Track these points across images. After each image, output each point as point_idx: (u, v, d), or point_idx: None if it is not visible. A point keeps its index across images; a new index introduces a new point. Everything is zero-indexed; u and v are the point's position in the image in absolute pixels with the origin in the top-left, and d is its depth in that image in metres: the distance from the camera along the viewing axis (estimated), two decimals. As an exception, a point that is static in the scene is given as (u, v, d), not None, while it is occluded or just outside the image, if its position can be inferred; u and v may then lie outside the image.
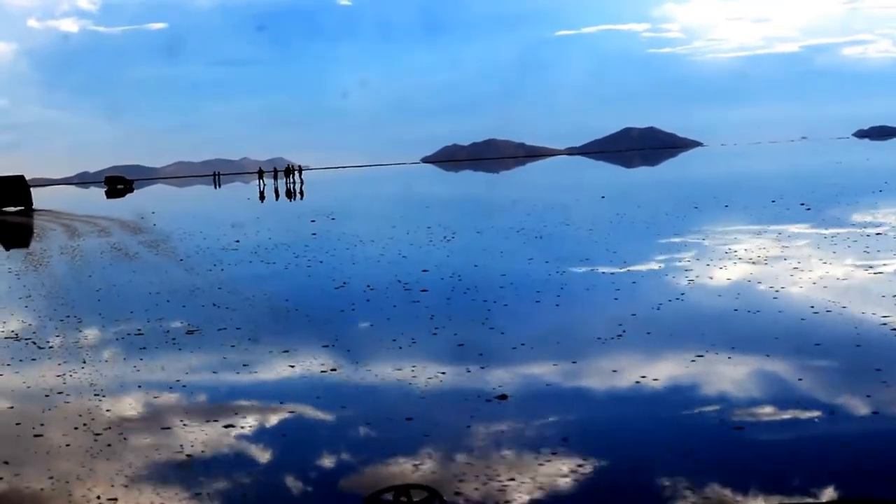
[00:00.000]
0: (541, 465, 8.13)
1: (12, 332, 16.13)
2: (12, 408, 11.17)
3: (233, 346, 13.88)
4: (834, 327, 12.96)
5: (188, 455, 9.00)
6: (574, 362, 11.78)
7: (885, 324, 12.72)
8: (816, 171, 70.49)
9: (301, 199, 72.26)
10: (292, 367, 12.43)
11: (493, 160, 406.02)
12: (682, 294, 16.23)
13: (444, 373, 11.58)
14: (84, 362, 13.32)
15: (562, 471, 8.00)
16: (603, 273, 19.32)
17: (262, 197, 77.88)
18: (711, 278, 17.82)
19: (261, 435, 9.65)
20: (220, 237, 33.79)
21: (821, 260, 19.14)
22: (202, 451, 9.12)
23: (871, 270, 17.60)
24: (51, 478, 8.55)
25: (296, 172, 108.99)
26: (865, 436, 8.67)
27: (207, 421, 10.10)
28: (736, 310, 14.53)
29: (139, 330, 15.61)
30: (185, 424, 10.01)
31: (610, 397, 10.36)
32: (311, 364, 12.52)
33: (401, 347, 13.12)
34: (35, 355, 14.10)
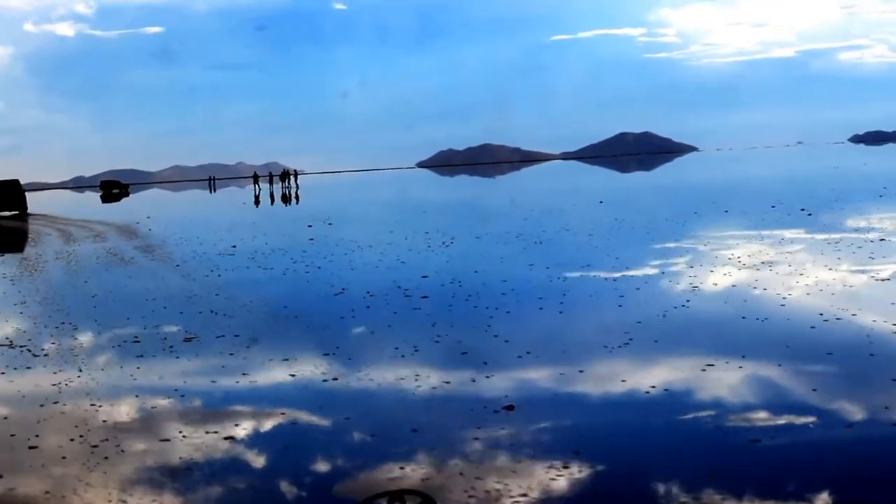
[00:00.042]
0: (553, 479, 7.89)
1: (7, 338, 15.84)
2: (6, 418, 10.91)
3: (231, 353, 13.63)
4: (845, 335, 12.74)
5: (187, 468, 8.74)
6: (581, 371, 11.54)
7: (896, 332, 12.51)
8: (814, 177, 70.40)
9: (297, 203, 72.02)
10: (293, 375, 12.18)
11: (488, 165, 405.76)
12: (688, 301, 15.99)
13: (448, 382, 11.34)
14: (80, 370, 13.05)
15: (575, 485, 7.77)
16: (605, 279, 19.08)
17: (257, 202, 77.65)
18: (716, 284, 17.59)
19: (261, 446, 9.39)
20: (217, 242, 33.53)
21: (825, 266, 18.92)
22: (201, 463, 8.87)
23: (877, 277, 17.40)
24: (46, 492, 8.30)
25: (291, 177, 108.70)
26: (892, 447, 8.44)
27: (207, 432, 9.85)
28: (744, 317, 14.29)
29: (136, 337, 15.35)
30: (183, 436, 9.75)
31: (621, 408, 10.11)
32: (311, 373, 12.26)
33: (403, 356, 12.87)
34: (30, 363, 13.82)
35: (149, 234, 40.28)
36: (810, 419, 9.29)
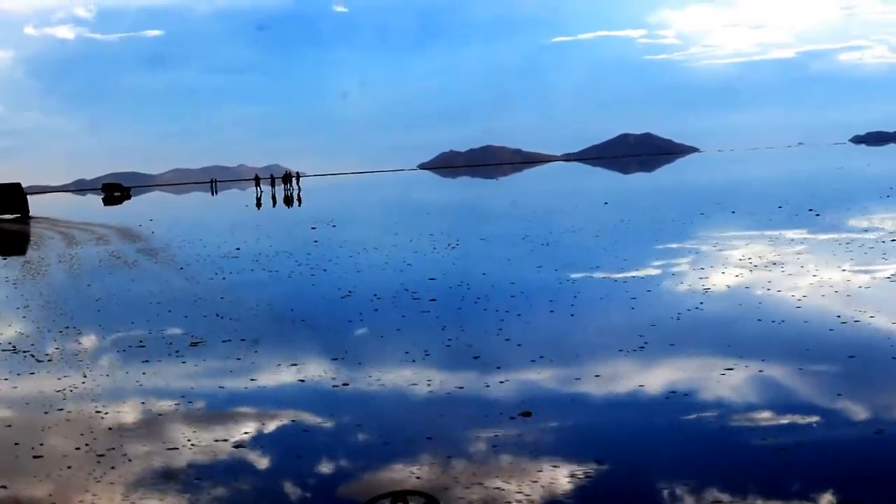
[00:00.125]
0: (576, 488, 7.65)
1: (10, 344, 15.61)
2: (10, 425, 10.68)
3: (238, 358, 13.38)
4: (864, 338, 12.48)
5: (196, 477, 8.50)
6: (597, 376, 11.28)
7: (918, 334, 12.27)
8: (818, 177, 70.07)
9: (299, 205, 71.78)
10: (302, 381, 11.94)
11: (490, 166, 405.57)
12: (701, 303, 15.73)
13: (461, 388, 11.09)
14: (84, 376, 12.82)
15: (600, 495, 7.52)
16: (615, 281, 18.83)
17: (258, 204, 77.42)
18: (728, 286, 17.33)
19: (271, 454, 9.15)
20: (220, 245, 33.26)
21: (838, 267, 18.66)
22: (210, 472, 8.63)
23: (892, 278, 17.11)
24: (51, 503, 8.05)
25: (293, 179, 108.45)
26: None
27: (216, 440, 9.60)
28: (759, 319, 14.03)
29: (141, 341, 15.10)
30: (192, 444, 9.50)
31: (642, 414, 9.84)
32: (321, 378, 12.02)
33: (414, 360, 12.62)
34: (33, 368, 13.58)
35: (151, 237, 40.03)
36: (840, 425, 9.04)
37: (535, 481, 7.84)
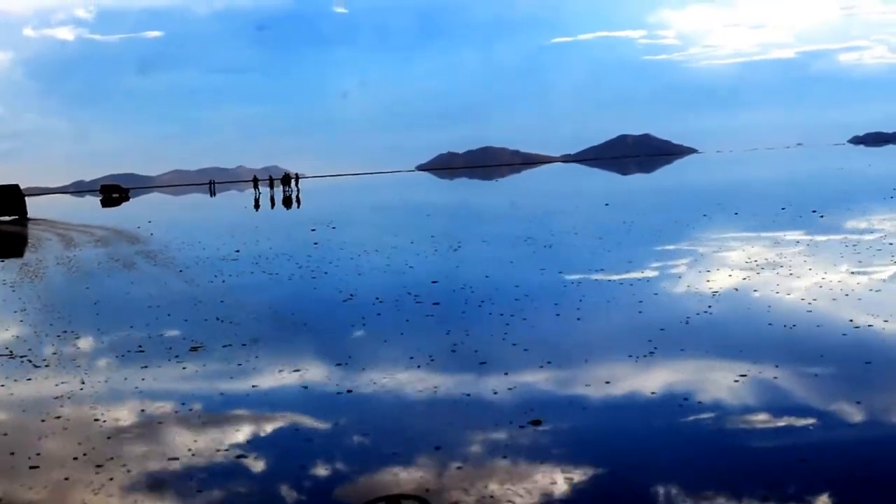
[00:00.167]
0: (592, 501, 7.37)
1: (6, 348, 15.34)
2: (6, 434, 10.41)
3: (240, 364, 13.11)
4: (880, 343, 12.25)
5: (199, 490, 8.24)
6: (608, 383, 11.01)
7: (934, 339, 12.01)
8: (819, 178, 69.86)
9: (298, 207, 71.54)
10: (305, 387, 11.68)
11: (488, 167, 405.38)
12: (709, 307, 15.46)
13: (468, 394, 10.83)
14: (83, 382, 12.56)
15: (615, 510, 7.26)
16: (621, 284, 18.58)
17: (257, 205, 77.14)
18: (737, 290, 17.05)
19: (276, 464, 8.89)
20: (220, 247, 32.99)
21: (847, 270, 18.40)
22: (213, 483, 8.38)
23: (903, 281, 16.88)
24: (48, 517, 7.79)
25: (292, 180, 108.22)
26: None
27: (218, 449, 9.34)
28: (770, 324, 13.77)
29: (140, 346, 14.83)
30: (193, 453, 9.24)
31: (655, 423, 9.55)
32: (325, 384, 11.77)
33: (419, 366, 12.35)
34: (31, 374, 13.31)
35: (150, 239, 39.74)
36: (863, 432, 8.79)
37: (548, 493, 7.59)
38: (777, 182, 67.95)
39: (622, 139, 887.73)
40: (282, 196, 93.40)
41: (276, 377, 12.30)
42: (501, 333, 14.15)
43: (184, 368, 13.14)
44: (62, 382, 12.60)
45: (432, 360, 12.62)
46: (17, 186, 74.80)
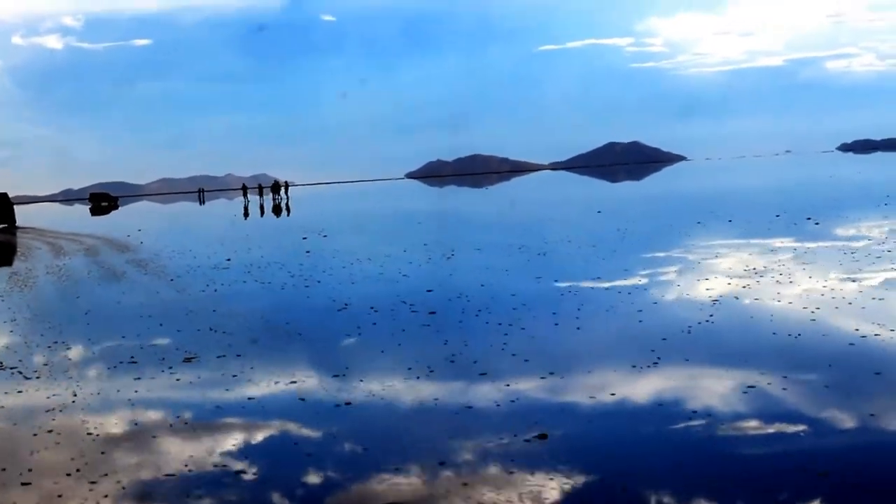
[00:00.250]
0: (604, 520, 7.13)
1: (-4, 359, 15.05)
2: (-3, 449, 10.11)
3: (235, 375, 12.86)
4: (888, 354, 12.01)
5: (196, 507, 7.98)
6: (612, 394, 10.78)
7: (943, 349, 11.80)
8: (810, 185, 69.82)
9: (288, 215, 71.23)
10: (302, 399, 11.42)
11: (477, 175, 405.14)
12: (711, 315, 15.24)
13: (470, 407, 10.58)
14: (75, 395, 12.28)
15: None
16: (619, 292, 18.34)
17: (246, 213, 76.83)
18: (737, 298, 16.85)
19: (275, 481, 8.62)
20: (210, 255, 32.70)
21: (849, 278, 18.19)
22: (211, 497, 8.13)
23: (905, 289, 16.68)
24: (41, 536, 7.53)
25: (282, 188, 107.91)
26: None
27: (216, 465, 9.08)
28: (774, 333, 13.55)
29: (132, 357, 14.56)
30: (189, 469, 8.97)
31: (665, 437, 9.30)
32: (322, 396, 11.52)
33: (418, 377, 12.11)
34: (21, 386, 13.02)
35: (140, 248, 39.42)
36: (879, 445, 8.58)
37: (561, 512, 7.34)
38: (768, 189, 67.85)
39: (611, 147, 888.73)
40: (271, 204, 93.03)
41: (272, 389, 12.05)
42: (500, 343, 13.91)
43: (177, 380, 12.88)
44: (54, 394, 12.34)
45: (431, 371, 12.38)
46: (5, 195, 74.40)
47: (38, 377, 13.54)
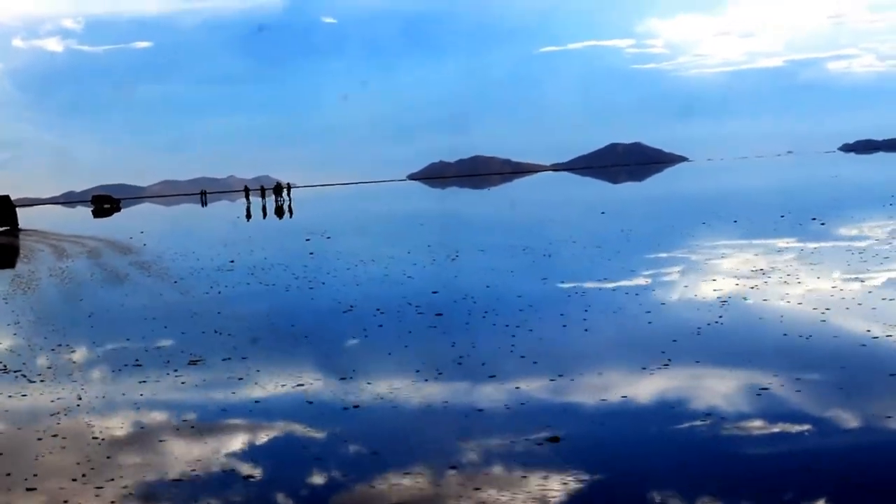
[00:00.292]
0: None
1: (0, 362, 14.92)
2: (1, 454, 9.99)
3: (241, 378, 12.73)
4: (902, 354, 11.85)
5: (204, 513, 7.85)
6: (624, 397, 10.66)
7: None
8: (814, 186, 69.68)
9: (290, 217, 71.10)
10: (310, 402, 11.30)
11: (479, 176, 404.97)
12: (720, 317, 15.11)
13: (481, 410, 10.46)
14: (79, 398, 12.16)
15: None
16: (626, 293, 18.21)
17: (248, 215, 76.71)
18: (745, 299, 16.71)
19: (284, 486, 8.50)
20: (214, 257, 32.58)
21: (857, 278, 18.06)
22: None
23: (915, 289, 16.55)
24: (47, 543, 7.41)
25: (285, 190, 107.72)
26: None
27: (224, 470, 8.95)
28: (785, 334, 13.42)
29: (137, 360, 14.44)
30: (196, 474, 8.85)
31: (682, 440, 9.17)
32: (330, 399, 11.39)
33: (426, 380, 11.99)
34: (25, 390, 12.90)
35: (143, 250, 39.30)
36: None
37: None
38: (771, 190, 67.72)
39: (612, 148, 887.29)
40: (274, 206, 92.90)
41: (278, 391, 11.93)
42: (508, 345, 13.78)
43: (182, 383, 12.77)
44: (58, 398, 12.22)
45: (440, 374, 12.26)
46: (7, 197, 74.35)
47: (42, 380, 13.43)
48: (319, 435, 10.00)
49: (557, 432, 9.32)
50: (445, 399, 10.97)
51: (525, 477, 8.14)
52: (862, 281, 17.68)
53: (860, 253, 21.83)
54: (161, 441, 10.03)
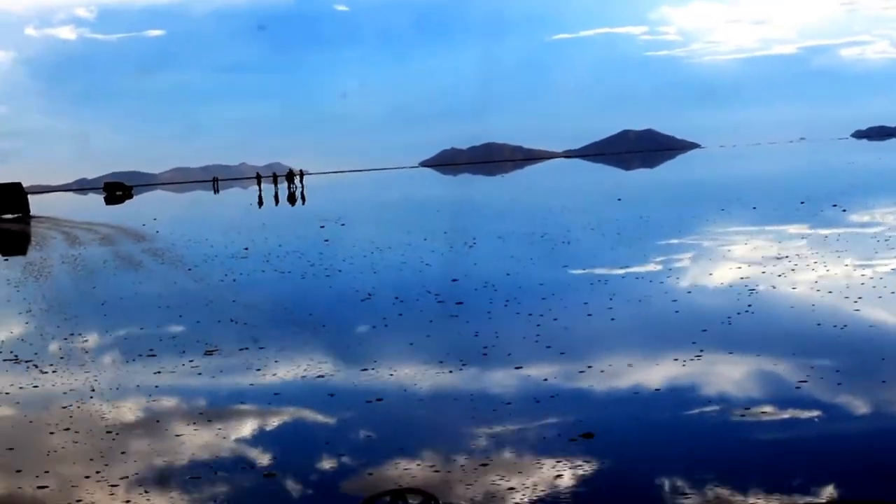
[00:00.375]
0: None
1: (11, 353, 14.58)
2: (12, 449, 9.62)
3: (258, 369, 12.36)
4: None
5: (225, 513, 7.48)
6: (657, 390, 10.26)
7: None
8: (831, 172, 68.92)
9: (303, 203, 70.71)
10: (331, 395, 10.92)
11: (491, 163, 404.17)
12: (750, 305, 14.68)
13: (509, 403, 10.07)
14: (92, 389, 11.80)
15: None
16: (650, 281, 17.81)
17: (260, 202, 76.31)
18: (774, 287, 16.29)
19: (306, 483, 8.11)
20: (227, 244, 32.20)
21: (886, 266, 17.64)
22: (239, 499, 7.63)
23: (948, 277, 16.11)
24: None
25: (297, 177, 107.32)
26: None
27: (243, 467, 8.58)
28: (819, 324, 12.99)
29: (151, 350, 14.07)
30: (215, 472, 8.48)
31: (722, 435, 8.77)
32: (352, 391, 10.99)
33: (451, 371, 11.60)
34: (37, 381, 12.54)
35: (156, 237, 38.96)
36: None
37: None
38: (786, 176, 67.13)
39: (624, 134, 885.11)
40: (286, 193, 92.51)
41: (298, 383, 11.56)
42: (533, 335, 13.38)
43: (199, 374, 12.40)
44: (70, 389, 11.88)
45: (464, 366, 11.86)
46: (19, 184, 74.22)
47: (54, 371, 13.07)
48: (342, 428, 9.64)
49: (591, 428, 8.92)
50: (471, 392, 10.60)
51: (560, 476, 7.74)
52: (892, 269, 17.23)
53: (885, 241, 21.38)
54: (178, 436, 9.65)
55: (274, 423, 10.05)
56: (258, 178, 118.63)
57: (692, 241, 24.69)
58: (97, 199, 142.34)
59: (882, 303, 14.22)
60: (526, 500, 7.30)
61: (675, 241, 24.99)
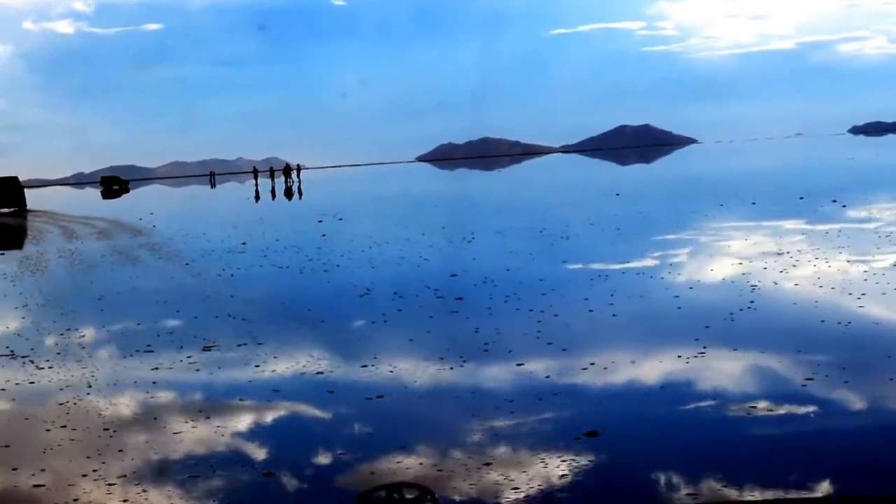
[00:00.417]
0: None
1: (7, 348, 14.44)
2: (8, 446, 9.50)
3: (258, 366, 12.23)
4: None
5: (224, 512, 7.36)
6: (662, 388, 10.14)
7: None
8: (829, 168, 68.85)
9: (300, 198, 70.53)
10: (331, 392, 10.80)
11: (488, 158, 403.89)
12: (752, 302, 14.57)
13: (511, 400, 9.94)
14: (89, 386, 11.67)
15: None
16: (651, 277, 17.70)
17: (257, 197, 76.10)
18: (776, 283, 16.18)
19: (306, 481, 7.99)
20: (225, 239, 32.04)
21: (888, 262, 17.53)
22: (247, 499, 7.51)
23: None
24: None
25: (294, 172, 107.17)
26: None
27: (242, 465, 8.46)
28: (823, 321, 12.89)
29: (148, 345, 13.94)
30: (213, 469, 8.35)
31: (729, 434, 8.67)
32: (352, 388, 10.89)
33: (451, 368, 11.48)
34: (33, 377, 12.41)
35: (153, 231, 38.77)
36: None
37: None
38: (784, 172, 67.00)
39: (621, 130, 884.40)
40: (283, 187, 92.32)
41: (297, 380, 11.44)
42: (535, 332, 13.26)
43: (197, 370, 12.28)
44: (67, 385, 11.75)
45: (464, 363, 11.75)
46: (15, 178, 73.97)
47: (50, 367, 12.93)
48: (341, 425, 9.52)
49: (594, 425, 8.79)
50: (473, 389, 10.49)
51: (566, 476, 7.62)
52: (894, 265, 17.13)
53: (887, 236, 21.27)
54: (176, 434, 9.53)
55: (272, 419, 9.93)
56: (255, 173, 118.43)
57: (692, 236, 24.59)
58: (94, 193, 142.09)
59: (886, 299, 14.13)
60: (529, 497, 7.17)
61: (674, 236, 24.90)
